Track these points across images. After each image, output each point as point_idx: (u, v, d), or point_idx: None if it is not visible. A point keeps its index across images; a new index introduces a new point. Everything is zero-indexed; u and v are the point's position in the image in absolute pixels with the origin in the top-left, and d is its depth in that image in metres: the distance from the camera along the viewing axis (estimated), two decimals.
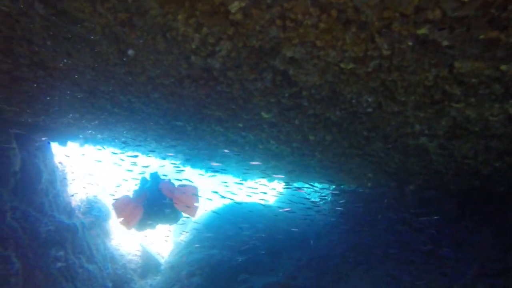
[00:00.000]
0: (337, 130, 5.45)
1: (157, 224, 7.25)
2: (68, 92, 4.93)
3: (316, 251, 8.77)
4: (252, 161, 7.73)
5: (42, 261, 6.03)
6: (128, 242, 11.52)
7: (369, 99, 4.18)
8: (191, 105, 5.15)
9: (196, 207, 6.71)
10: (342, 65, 3.56)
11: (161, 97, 5.03)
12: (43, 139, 7.49)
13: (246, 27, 3.17)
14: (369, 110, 4.46)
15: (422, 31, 2.39)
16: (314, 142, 6.03)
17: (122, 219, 6.51)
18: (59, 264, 6.28)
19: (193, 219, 6.67)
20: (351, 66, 3.53)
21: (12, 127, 6.43)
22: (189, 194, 6.67)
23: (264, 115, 5.07)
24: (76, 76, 4.51)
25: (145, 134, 6.81)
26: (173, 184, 7.11)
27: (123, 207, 6.60)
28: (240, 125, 5.60)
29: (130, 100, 5.28)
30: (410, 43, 2.72)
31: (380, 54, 3.17)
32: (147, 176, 7.90)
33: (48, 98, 5.10)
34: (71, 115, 5.89)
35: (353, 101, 4.36)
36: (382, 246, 7.89)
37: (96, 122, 6.35)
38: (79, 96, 5.12)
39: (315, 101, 4.57)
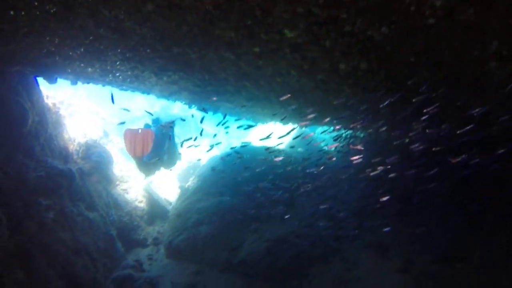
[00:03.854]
0: (376, 56, 4.39)
1: (159, 168, 7.79)
2: (36, 3, 3.84)
3: (333, 200, 8.09)
4: (266, 99, 6.75)
5: (33, 210, 5.39)
6: (133, 188, 11.02)
7: (437, 3, 3.07)
8: (195, 23, 4.07)
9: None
10: None
11: (156, 11, 3.94)
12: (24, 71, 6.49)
13: None
14: (431, 21, 3.36)
15: None
16: (344, 73, 4.98)
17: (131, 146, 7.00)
18: (53, 213, 5.66)
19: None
20: None
21: None
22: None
23: (288, 33, 3.99)
24: None
25: (142, 66, 5.79)
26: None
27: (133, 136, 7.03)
28: (256, 49, 4.54)
29: (118, 17, 4.19)
30: None
31: None
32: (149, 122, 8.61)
33: (12, 13, 4.02)
34: (48, 38, 4.83)
35: (412, 8, 3.25)
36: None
37: (82, 49, 5.30)
38: (51, 11, 4.02)
39: (358, 12, 3.47)
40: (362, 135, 8.82)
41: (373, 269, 5.42)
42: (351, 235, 6.69)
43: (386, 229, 6.71)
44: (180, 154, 8.10)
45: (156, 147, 7.73)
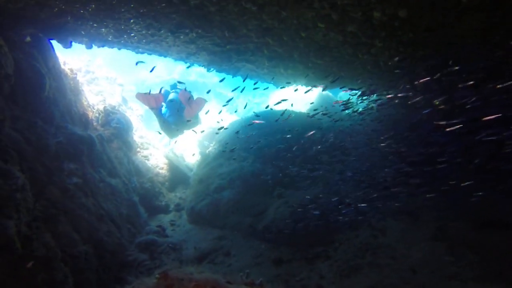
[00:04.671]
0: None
1: (183, 130, 8.24)
2: None
3: (359, 165, 7.74)
4: (289, 57, 6.30)
5: (56, 176, 5.34)
6: (154, 155, 11.00)
7: None
8: None
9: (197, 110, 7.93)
10: None
11: None
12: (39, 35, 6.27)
13: None
14: None
15: None
16: (379, 23, 4.47)
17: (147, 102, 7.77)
18: (75, 179, 5.61)
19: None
20: None
21: None
22: (197, 103, 7.76)
23: None
24: None
25: (158, 23, 5.42)
26: (190, 94, 7.95)
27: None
28: None
29: None
30: None
31: None
32: (167, 88, 9.25)
33: None
34: None
35: None
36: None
37: (93, 6, 4.98)
38: None
39: None
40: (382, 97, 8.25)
41: (402, 237, 5.16)
42: (377, 202, 6.39)
43: (410, 196, 6.35)
44: (200, 118, 8.38)
45: (179, 110, 8.13)
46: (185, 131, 8.76)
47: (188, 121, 8.27)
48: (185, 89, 8.64)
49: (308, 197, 6.56)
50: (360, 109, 9.80)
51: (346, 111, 9.01)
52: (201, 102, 7.88)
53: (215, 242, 6.68)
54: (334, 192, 6.80)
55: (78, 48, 8.09)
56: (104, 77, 13.15)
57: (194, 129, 8.44)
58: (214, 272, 5.60)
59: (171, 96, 9.05)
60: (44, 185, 5.09)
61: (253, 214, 6.84)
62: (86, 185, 5.95)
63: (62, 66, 8.16)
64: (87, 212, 5.52)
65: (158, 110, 8.17)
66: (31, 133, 5.40)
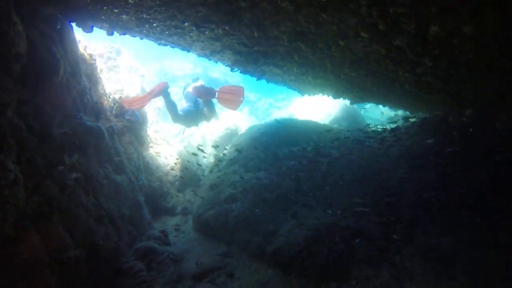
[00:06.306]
0: (497, 14, 3.21)
1: (198, 122, 8.33)
2: None
3: (383, 189, 7.06)
4: (321, 66, 5.71)
5: (55, 169, 4.93)
6: (166, 152, 10.59)
7: None
8: None
9: (239, 102, 7.60)
10: None
11: None
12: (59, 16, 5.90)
13: None
14: None
15: None
16: (434, 39, 3.83)
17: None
18: (75, 174, 5.20)
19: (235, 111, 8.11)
20: None
21: None
22: (234, 91, 7.48)
23: None
24: None
25: (181, 15, 4.95)
26: (204, 88, 7.95)
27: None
28: None
29: None
30: None
31: None
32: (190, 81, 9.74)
33: None
34: None
35: None
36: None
37: None
38: None
39: None
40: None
41: (433, 286, 4.49)
42: (404, 238, 5.71)
43: (445, 238, 5.61)
44: (217, 112, 8.50)
45: (195, 102, 8.25)
46: (199, 123, 8.71)
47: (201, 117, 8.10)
48: (201, 85, 8.38)
49: (325, 222, 5.95)
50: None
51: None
52: (240, 90, 7.58)
53: (219, 258, 6.14)
54: (352, 218, 6.16)
55: (103, 35, 7.74)
56: (126, 66, 12.86)
57: (211, 119, 8.37)
58: None
59: (190, 89, 8.92)
60: (41, 179, 4.68)
61: (264, 233, 6.25)
62: (88, 182, 5.53)
63: (82, 51, 7.82)
64: (85, 212, 5.09)
65: (164, 96, 7.92)
66: (36, 120, 5.01)
